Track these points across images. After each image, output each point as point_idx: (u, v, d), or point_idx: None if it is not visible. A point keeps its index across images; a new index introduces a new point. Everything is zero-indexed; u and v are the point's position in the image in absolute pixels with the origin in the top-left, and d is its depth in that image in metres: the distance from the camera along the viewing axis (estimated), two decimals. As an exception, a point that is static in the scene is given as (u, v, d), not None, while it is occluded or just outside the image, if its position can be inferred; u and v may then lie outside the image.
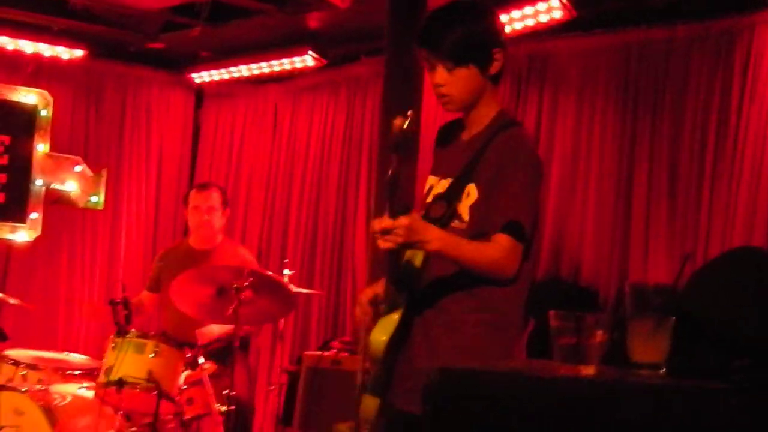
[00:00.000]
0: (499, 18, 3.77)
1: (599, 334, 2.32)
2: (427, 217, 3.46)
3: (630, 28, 6.96)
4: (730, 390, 2.15)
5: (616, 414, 2.16)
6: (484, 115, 3.66)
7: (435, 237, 3.34)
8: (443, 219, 3.48)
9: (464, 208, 3.52)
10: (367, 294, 3.74)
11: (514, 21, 7.02)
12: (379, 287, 3.71)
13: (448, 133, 3.79)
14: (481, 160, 3.54)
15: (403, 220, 3.25)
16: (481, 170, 3.52)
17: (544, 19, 6.98)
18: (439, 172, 3.69)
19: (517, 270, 3.48)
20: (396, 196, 3.34)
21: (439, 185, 3.65)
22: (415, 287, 3.55)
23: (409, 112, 3.45)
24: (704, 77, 6.61)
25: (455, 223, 3.51)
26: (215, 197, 7.07)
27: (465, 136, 3.70)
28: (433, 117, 6.66)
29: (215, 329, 6.55)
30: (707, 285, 2.57)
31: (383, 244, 3.30)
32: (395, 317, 3.54)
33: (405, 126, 3.38)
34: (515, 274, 3.48)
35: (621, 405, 2.16)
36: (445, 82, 3.59)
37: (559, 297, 6.78)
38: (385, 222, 3.26)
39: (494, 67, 3.62)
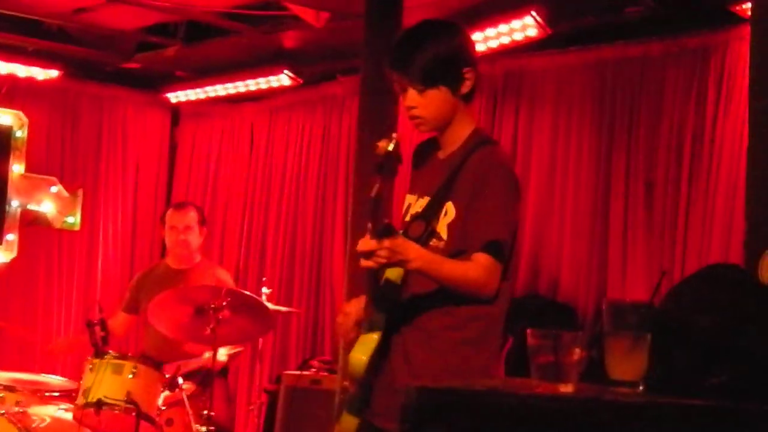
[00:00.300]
0: (469, 37, 3.78)
1: (577, 352, 2.32)
2: (407, 237, 3.47)
3: (605, 45, 7.00)
4: (706, 407, 2.16)
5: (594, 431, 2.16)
6: (458, 134, 3.67)
7: (416, 256, 3.35)
8: (422, 238, 3.49)
9: (442, 227, 3.53)
10: (352, 307, 3.76)
11: (489, 39, 7.04)
12: (360, 303, 3.73)
13: (424, 153, 3.80)
14: (458, 179, 3.55)
15: (385, 242, 3.25)
16: (458, 189, 3.53)
17: (519, 36, 7.00)
18: (416, 191, 3.70)
19: (496, 289, 3.49)
20: (379, 216, 3.35)
21: (416, 204, 3.66)
22: (394, 306, 3.54)
23: (394, 135, 3.46)
24: (679, 93, 6.64)
25: (434, 242, 3.52)
26: (192, 216, 7.06)
27: (441, 155, 3.71)
28: (410, 136, 6.67)
29: (193, 363, 6.54)
30: (684, 297, 2.59)
31: (366, 264, 3.30)
32: (375, 336, 3.54)
33: (390, 148, 3.38)
34: (495, 292, 3.50)
35: (599, 423, 2.17)
36: (417, 104, 3.60)
37: (538, 313, 6.78)
38: (368, 243, 3.27)
39: (465, 86, 3.62)
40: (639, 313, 2.37)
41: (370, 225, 3.32)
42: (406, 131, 5.91)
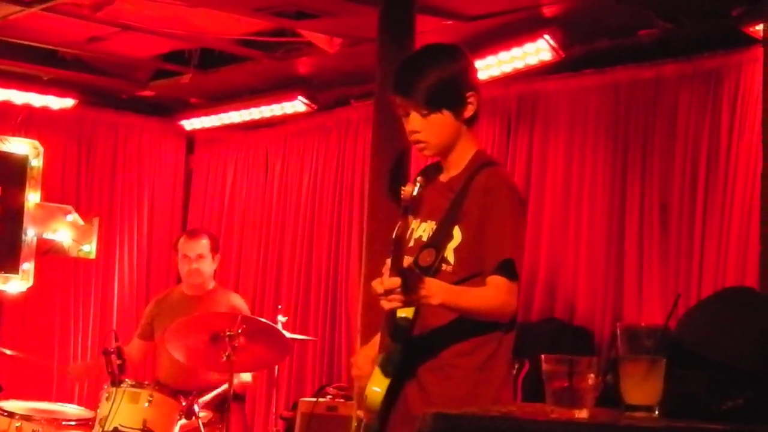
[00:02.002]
0: (471, 61, 3.79)
1: (591, 377, 2.31)
2: (417, 266, 3.47)
3: (618, 67, 6.99)
4: (723, 431, 2.14)
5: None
6: (461, 157, 3.68)
7: (436, 292, 3.35)
8: (433, 266, 3.49)
9: (449, 252, 3.54)
10: (363, 355, 3.79)
11: (502, 63, 7.04)
12: (372, 349, 3.76)
13: (427, 176, 3.79)
14: (463, 203, 3.56)
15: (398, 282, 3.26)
16: (465, 213, 3.55)
17: (532, 60, 7.00)
18: (418, 215, 3.69)
19: (515, 308, 3.53)
20: (401, 255, 3.35)
21: (420, 228, 3.65)
22: (409, 337, 3.54)
23: (419, 179, 3.48)
24: (693, 115, 6.63)
25: (443, 267, 3.52)
26: (204, 244, 7.06)
27: (443, 178, 3.71)
28: (423, 162, 6.67)
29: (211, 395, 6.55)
30: (699, 320, 2.58)
31: (388, 305, 3.31)
32: (390, 369, 3.53)
33: (414, 193, 3.39)
34: (515, 312, 3.53)
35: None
36: (421, 128, 3.61)
37: (555, 337, 6.76)
38: (389, 282, 3.27)
39: (468, 111, 3.63)
40: (654, 337, 2.36)
41: (389, 263, 3.33)
42: (418, 157, 5.92)
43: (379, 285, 3.29)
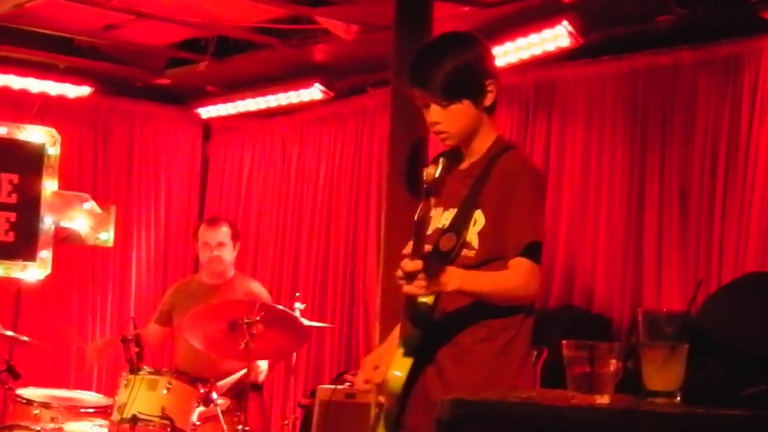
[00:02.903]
0: (488, 48, 3.76)
1: (613, 363, 2.31)
2: (437, 251, 3.45)
3: (636, 54, 6.96)
4: (744, 417, 2.13)
5: (631, 443, 2.14)
6: (482, 144, 3.66)
7: (452, 278, 3.33)
8: (454, 251, 3.47)
9: (473, 236, 3.52)
10: (370, 364, 3.78)
11: (520, 49, 7.02)
12: (380, 356, 3.77)
13: (446, 162, 3.77)
14: (484, 187, 3.54)
15: (434, 277, 3.26)
16: (486, 196, 3.53)
17: (550, 47, 6.97)
18: (439, 203, 3.67)
19: (537, 290, 3.52)
20: (421, 239, 3.34)
21: (442, 217, 3.63)
22: (429, 323, 3.52)
23: (441, 160, 3.47)
24: (713, 101, 6.60)
25: (465, 252, 3.50)
26: (225, 232, 7.06)
27: (462, 165, 3.69)
28: (442, 147, 6.65)
29: (230, 381, 6.56)
30: (721, 307, 2.56)
31: (407, 289, 3.30)
32: (411, 355, 3.53)
33: (437, 174, 3.37)
34: (537, 294, 3.53)
35: (637, 434, 2.15)
36: (441, 119, 3.59)
37: (573, 325, 6.74)
38: (412, 265, 3.26)
39: (488, 99, 3.61)
40: (675, 323, 2.35)
41: (411, 246, 3.32)
42: (436, 144, 5.91)
43: (402, 267, 3.28)
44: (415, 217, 3.34)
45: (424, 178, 3.37)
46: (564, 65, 7.28)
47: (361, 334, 8.35)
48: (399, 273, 3.29)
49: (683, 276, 6.55)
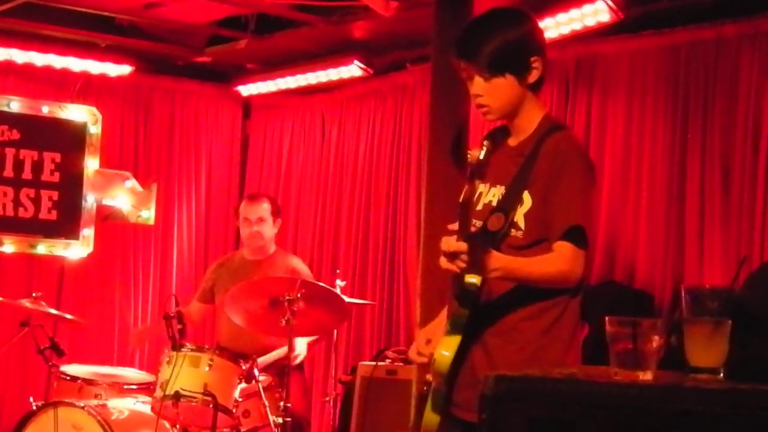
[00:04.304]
0: (537, 25, 3.76)
1: (656, 339, 2.30)
2: (485, 231, 3.46)
3: (678, 28, 6.90)
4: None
5: (675, 419, 2.13)
6: (528, 122, 3.65)
7: (497, 266, 3.35)
8: (502, 231, 3.47)
9: (519, 217, 3.51)
10: (423, 338, 3.79)
11: (560, 25, 6.98)
12: (431, 331, 3.78)
13: (493, 140, 3.77)
14: (533, 167, 3.53)
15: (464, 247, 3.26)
16: (534, 177, 3.51)
17: (590, 22, 6.94)
18: (487, 179, 3.66)
19: (582, 275, 3.49)
20: (468, 220, 3.35)
21: (489, 193, 3.63)
22: (476, 302, 3.53)
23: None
24: (755, 75, 6.53)
25: (513, 232, 3.50)
26: (265, 208, 7.09)
27: (512, 142, 3.69)
28: (482, 125, 6.64)
29: (272, 357, 6.60)
30: (764, 283, 2.55)
31: (447, 266, 3.31)
32: (458, 333, 3.53)
33: (481, 157, 3.38)
34: (581, 278, 3.51)
35: (679, 410, 2.14)
36: (483, 92, 3.59)
37: (614, 301, 6.72)
38: (454, 245, 3.27)
39: (533, 75, 3.61)
40: (719, 299, 2.34)
41: (457, 226, 3.32)
42: (477, 120, 5.91)
43: (445, 244, 3.29)
44: (460, 199, 3.34)
45: (469, 160, 3.37)
46: (604, 40, 7.23)
47: (402, 310, 8.35)
48: (444, 247, 3.30)
49: (725, 252, 6.50)
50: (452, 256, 3.27)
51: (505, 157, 3.63)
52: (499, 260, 3.36)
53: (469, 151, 3.44)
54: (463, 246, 3.25)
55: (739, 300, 2.44)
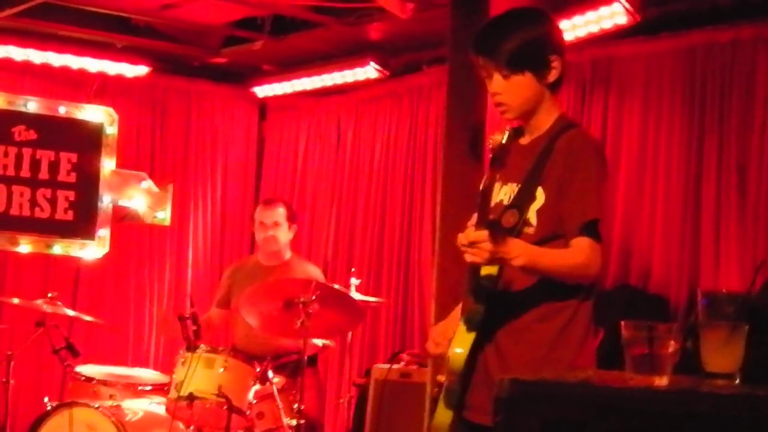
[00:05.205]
0: (557, 25, 3.75)
1: (671, 344, 2.29)
2: (494, 226, 3.44)
3: (694, 30, 6.88)
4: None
5: (690, 425, 2.12)
6: (544, 121, 3.65)
7: (520, 253, 3.33)
8: (516, 227, 3.45)
9: (531, 213, 3.50)
10: (439, 332, 3.79)
11: (577, 27, 6.97)
12: (448, 325, 3.77)
13: (515, 134, 3.75)
14: (547, 163, 3.52)
15: (498, 245, 3.25)
16: (548, 173, 3.51)
17: (607, 24, 6.92)
18: (500, 177, 3.65)
19: (600, 269, 3.49)
20: (487, 207, 3.34)
21: (501, 191, 3.62)
22: (491, 299, 3.52)
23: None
24: (772, 77, 6.52)
25: (525, 229, 3.49)
26: (280, 213, 7.09)
27: (524, 141, 3.68)
28: (498, 126, 6.63)
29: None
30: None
31: (470, 258, 3.29)
32: (473, 330, 3.52)
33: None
34: (600, 272, 3.50)
35: (695, 415, 2.13)
36: (502, 89, 3.59)
37: (628, 305, 6.70)
38: (476, 235, 3.26)
39: (552, 75, 3.60)
40: (735, 303, 2.33)
41: (476, 216, 3.31)
42: (494, 120, 5.90)
43: (464, 237, 3.28)
44: (481, 187, 3.34)
45: (490, 145, 3.36)
46: (621, 43, 7.22)
47: (416, 313, 8.35)
48: (462, 241, 3.28)
49: (741, 256, 6.48)
50: (472, 245, 3.25)
51: (517, 156, 3.61)
52: (522, 247, 3.35)
53: (490, 137, 3.40)
54: (483, 234, 3.23)
55: (756, 304, 2.42)
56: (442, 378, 3.60)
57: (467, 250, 3.28)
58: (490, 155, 3.37)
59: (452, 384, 3.56)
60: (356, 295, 6.56)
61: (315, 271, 7.13)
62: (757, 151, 6.53)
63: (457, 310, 3.81)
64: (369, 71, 8.57)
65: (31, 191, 8.52)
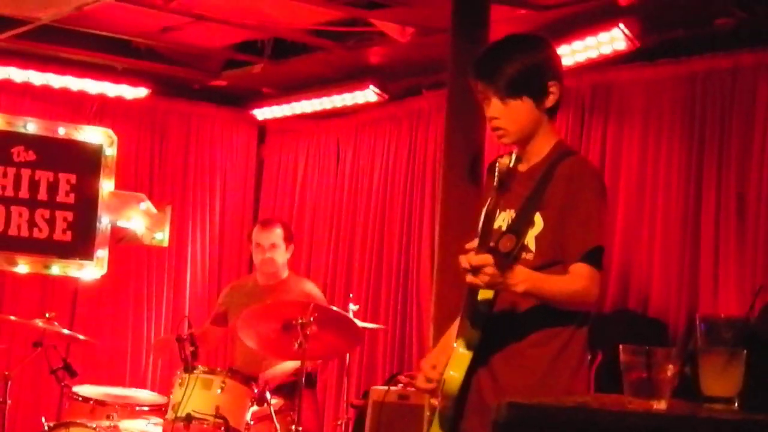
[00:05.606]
0: (555, 51, 3.77)
1: (670, 368, 2.29)
2: (497, 251, 3.44)
3: (694, 57, 6.90)
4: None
5: (688, 449, 2.13)
6: (541, 147, 3.65)
7: (524, 279, 3.33)
8: (513, 252, 3.45)
9: (530, 239, 3.50)
10: (429, 364, 3.74)
11: (576, 52, 6.99)
12: (438, 356, 3.74)
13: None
14: (546, 189, 3.52)
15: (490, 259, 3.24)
16: (547, 200, 3.51)
17: (607, 50, 6.94)
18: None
19: (599, 296, 3.49)
20: (490, 230, 3.34)
21: (498, 218, 3.61)
22: (487, 323, 3.52)
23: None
24: (771, 104, 6.53)
25: (523, 255, 3.48)
26: (278, 234, 7.08)
27: (521, 167, 3.68)
28: (497, 151, 6.64)
29: (278, 371, 6.58)
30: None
31: (472, 281, 3.29)
32: (468, 354, 3.52)
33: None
34: (598, 300, 3.51)
35: (694, 440, 2.13)
36: (500, 114, 3.59)
37: (627, 329, 6.70)
38: (480, 259, 3.25)
39: (550, 100, 3.61)
40: (734, 328, 2.33)
41: (474, 245, 3.31)
42: (493, 145, 5.92)
43: (467, 260, 3.26)
44: (484, 210, 3.34)
45: (497, 168, 3.35)
46: (620, 68, 7.24)
47: (414, 335, 8.35)
48: (464, 264, 3.27)
49: (740, 281, 6.48)
50: (476, 270, 3.26)
51: (515, 183, 3.61)
52: (525, 273, 3.35)
53: (499, 160, 3.40)
54: (488, 258, 3.23)
55: (755, 330, 2.43)
56: (435, 402, 3.60)
57: (469, 275, 3.28)
58: (497, 179, 3.36)
59: (445, 410, 3.56)
60: (355, 321, 6.55)
61: (313, 289, 7.13)
62: (756, 177, 6.53)
63: (447, 336, 3.80)
64: (368, 95, 8.59)
65: (30, 212, 8.53)
